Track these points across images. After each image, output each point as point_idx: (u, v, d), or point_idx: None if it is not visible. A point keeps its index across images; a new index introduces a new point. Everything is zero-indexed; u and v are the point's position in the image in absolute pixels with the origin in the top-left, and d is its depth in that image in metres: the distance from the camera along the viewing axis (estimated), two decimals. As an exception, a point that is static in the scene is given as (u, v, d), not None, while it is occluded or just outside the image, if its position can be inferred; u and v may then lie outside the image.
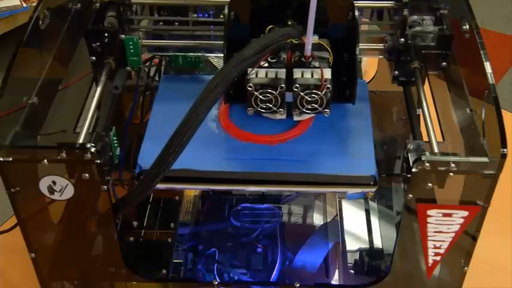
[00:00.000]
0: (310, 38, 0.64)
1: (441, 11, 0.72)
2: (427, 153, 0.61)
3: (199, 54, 0.80)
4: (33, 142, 0.66)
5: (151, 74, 0.87)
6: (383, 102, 0.95)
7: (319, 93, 0.64)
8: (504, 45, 2.31)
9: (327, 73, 0.65)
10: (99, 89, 0.71)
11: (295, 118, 0.69)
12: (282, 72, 0.66)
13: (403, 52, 0.72)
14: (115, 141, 0.67)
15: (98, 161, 0.61)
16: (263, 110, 0.67)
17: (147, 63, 0.81)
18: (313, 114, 0.68)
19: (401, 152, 0.65)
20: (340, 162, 0.68)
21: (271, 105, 0.66)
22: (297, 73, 0.65)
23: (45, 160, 0.61)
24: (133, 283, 0.75)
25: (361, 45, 0.76)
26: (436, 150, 0.63)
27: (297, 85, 0.64)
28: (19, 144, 0.62)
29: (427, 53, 0.72)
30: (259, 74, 0.65)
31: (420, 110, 0.71)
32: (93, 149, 0.60)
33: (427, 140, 0.65)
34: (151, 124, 0.74)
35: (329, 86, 0.64)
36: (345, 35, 0.69)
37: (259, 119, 0.74)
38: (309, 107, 0.66)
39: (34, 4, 0.72)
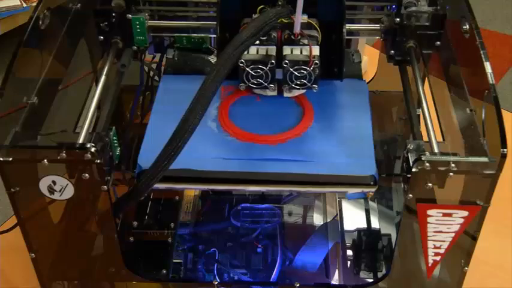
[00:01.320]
0: (300, 16, 0.66)
1: None
2: (427, 153, 0.61)
3: (203, 35, 0.82)
4: (33, 142, 0.66)
5: (151, 74, 0.88)
6: (383, 102, 0.95)
7: (308, 69, 0.67)
8: (504, 45, 2.30)
9: (315, 50, 0.68)
10: (99, 89, 0.71)
11: (285, 94, 0.72)
12: (272, 49, 0.69)
13: (399, 32, 0.75)
14: (115, 141, 0.67)
15: (98, 161, 0.61)
16: (254, 86, 0.69)
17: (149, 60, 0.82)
18: (303, 90, 0.71)
19: (401, 152, 0.65)
20: (340, 162, 0.68)
21: (262, 81, 0.69)
22: (286, 50, 0.68)
23: (45, 160, 0.61)
24: (134, 283, 0.75)
25: (359, 26, 0.79)
26: (436, 150, 0.63)
27: (287, 61, 0.67)
28: (19, 144, 0.62)
29: (421, 33, 0.75)
30: (251, 50, 0.68)
31: (420, 110, 0.71)
32: (93, 149, 0.60)
33: (427, 140, 0.65)
34: (151, 124, 0.74)
35: (317, 62, 0.67)
36: (332, 15, 0.72)
37: (259, 119, 0.74)
38: (298, 82, 0.68)
39: (34, 4, 0.72)
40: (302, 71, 0.67)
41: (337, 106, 0.76)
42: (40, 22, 0.70)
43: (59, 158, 0.60)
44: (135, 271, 0.74)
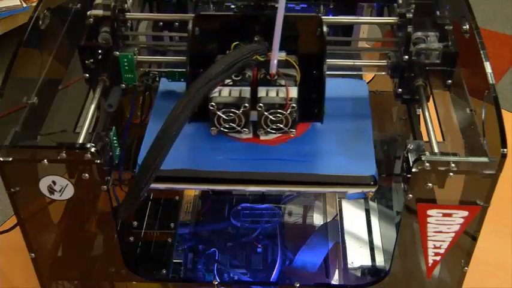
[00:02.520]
0: (276, 55, 0.62)
1: (446, 27, 0.70)
2: (427, 153, 0.61)
3: None
4: (33, 142, 0.66)
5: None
6: (383, 102, 0.95)
7: (284, 112, 0.63)
8: (504, 45, 2.31)
9: (293, 92, 0.63)
10: (99, 89, 0.71)
11: (262, 138, 0.68)
12: (246, 91, 0.64)
13: (407, 69, 0.70)
14: (115, 141, 0.67)
15: (98, 161, 0.61)
16: (226, 130, 0.65)
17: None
18: (279, 134, 0.67)
19: (401, 152, 0.65)
20: (340, 162, 0.68)
21: (234, 125, 0.64)
22: (261, 92, 0.64)
23: (45, 160, 0.61)
24: (133, 283, 0.75)
25: (364, 62, 0.75)
26: (436, 150, 0.63)
27: (261, 104, 0.63)
28: (19, 144, 0.62)
29: (431, 71, 0.70)
30: (223, 92, 0.63)
31: (420, 110, 0.71)
32: (93, 149, 0.60)
33: (427, 140, 0.65)
34: (152, 124, 0.74)
35: (294, 105, 0.63)
36: (313, 52, 0.67)
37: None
38: (274, 126, 0.64)
39: (34, 4, 0.72)
40: (278, 115, 0.63)
41: (337, 106, 0.76)
42: (40, 22, 0.69)
43: (59, 158, 0.60)
44: (135, 271, 0.74)
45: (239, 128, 0.64)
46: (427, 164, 0.60)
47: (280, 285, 0.83)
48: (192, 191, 0.94)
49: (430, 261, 0.68)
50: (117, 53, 0.70)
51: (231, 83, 0.64)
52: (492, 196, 0.62)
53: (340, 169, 0.68)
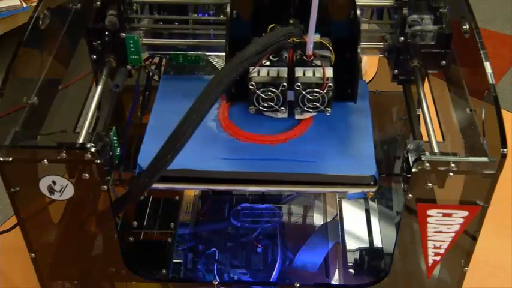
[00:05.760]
0: (312, 37, 0.64)
1: (440, 10, 0.72)
2: (427, 153, 0.61)
3: (200, 52, 0.81)
4: (33, 142, 0.66)
5: (151, 74, 0.87)
6: (383, 102, 0.95)
7: (321, 91, 0.65)
8: (504, 45, 2.31)
9: (329, 72, 0.65)
10: (99, 89, 0.71)
11: (297, 117, 0.70)
12: (283, 71, 0.66)
13: (403, 51, 0.73)
14: (115, 141, 0.67)
15: (98, 161, 0.61)
16: (265, 109, 0.67)
17: (148, 62, 0.81)
18: (315, 113, 0.69)
19: (401, 152, 0.65)
20: (340, 162, 0.68)
21: (272, 104, 0.66)
22: (298, 72, 0.66)
23: (45, 160, 0.61)
24: (133, 283, 0.75)
25: (362, 44, 0.76)
26: (436, 150, 0.63)
27: (299, 83, 0.65)
28: (19, 144, 0.62)
29: (426, 52, 0.72)
30: (261, 72, 0.66)
31: (420, 110, 0.71)
32: (93, 149, 0.60)
33: (427, 140, 0.65)
34: (152, 124, 0.74)
35: (331, 84, 0.65)
36: (346, 34, 0.69)
37: (259, 119, 0.74)
38: (310, 105, 0.66)
39: (34, 4, 0.72)
40: (315, 93, 0.65)
41: (337, 106, 0.76)
42: (40, 22, 0.69)
43: (59, 158, 0.60)
44: (135, 271, 0.74)
45: (277, 107, 0.67)
46: (427, 164, 0.60)
47: (280, 285, 0.83)
48: (192, 191, 0.94)
49: (430, 261, 0.68)
50: (124, 34, 0.72)
51: (268, 64, 0.66)
52: (492, 196, 0.62)
53: (340, 169, 0.68)
